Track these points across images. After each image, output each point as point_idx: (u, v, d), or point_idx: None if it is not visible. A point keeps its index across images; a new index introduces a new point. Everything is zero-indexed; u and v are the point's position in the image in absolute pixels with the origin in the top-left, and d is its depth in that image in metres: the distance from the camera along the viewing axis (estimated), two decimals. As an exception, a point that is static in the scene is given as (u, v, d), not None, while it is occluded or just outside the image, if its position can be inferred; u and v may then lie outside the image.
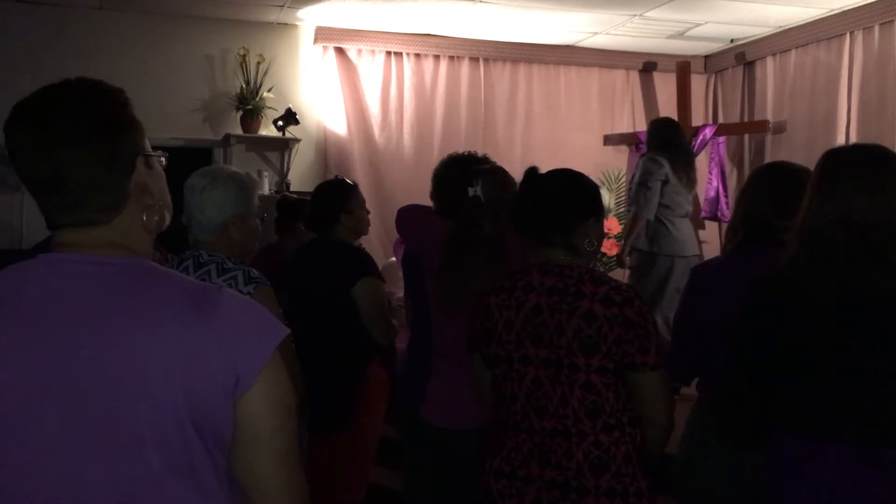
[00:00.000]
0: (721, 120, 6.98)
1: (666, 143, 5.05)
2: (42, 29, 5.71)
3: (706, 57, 7.14)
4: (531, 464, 1.96)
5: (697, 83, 7.02)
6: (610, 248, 5.92)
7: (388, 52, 6.49)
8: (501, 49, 6.69)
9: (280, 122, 6.08)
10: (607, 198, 6.33)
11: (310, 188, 4.91)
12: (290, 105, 6.13)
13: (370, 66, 6.46)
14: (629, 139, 6.92)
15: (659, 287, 4.91)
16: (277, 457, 1.19)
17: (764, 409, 1.86)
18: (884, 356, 1.72)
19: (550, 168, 2.18)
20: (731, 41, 6.66)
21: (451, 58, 6.64)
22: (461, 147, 5.53)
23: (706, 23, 6.06)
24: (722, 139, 6.58)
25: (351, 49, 6.40)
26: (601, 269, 5.56)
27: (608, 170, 6.58)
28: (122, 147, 1.18)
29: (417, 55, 6.56)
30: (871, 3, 5.52)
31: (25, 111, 1.17)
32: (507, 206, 2.56)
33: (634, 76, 7.13)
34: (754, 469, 2.03)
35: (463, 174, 2.59)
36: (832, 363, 1.75)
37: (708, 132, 6.51)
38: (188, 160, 3.51)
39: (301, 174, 6.24)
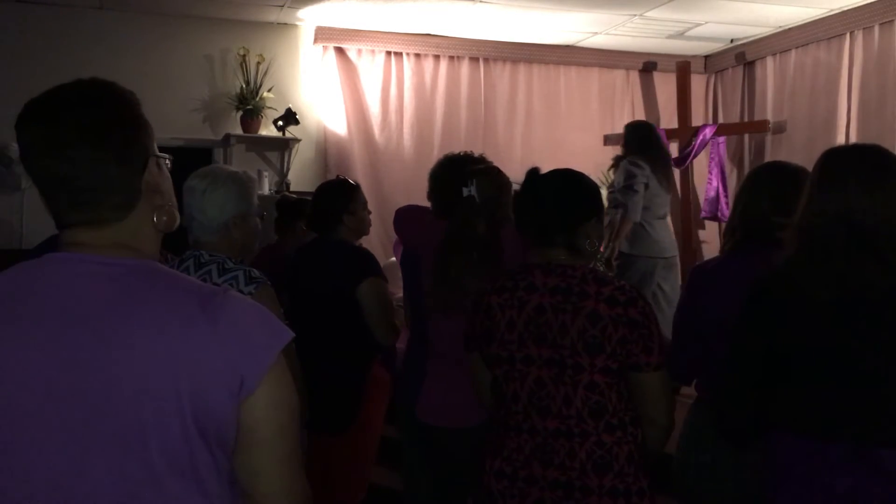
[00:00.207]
0: (721, 120, 6.99)
1: (645, 146, 5.08)
2: (42, 29, 5.71)
3: (706, 57, 7.14)
4: (533, 464, 1.96)
5: (697, 83, 7.02)
6: (610, 248, 5.92)
7: (388, 52, 6.49)
8: (501, 49, 6.70)
9: (280, 122, 6.08)
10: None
11: (310, 188, 4.92)
12: (290, 105, 6.13)
13: (370, 66, 6.47)
14: (629, 139, 6.91)
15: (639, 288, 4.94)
16: (280, 460, 1.19)
17: (763, 409, 1.86)
18: (882, 355, 1.72)
19: (550, 168, 2.18)
20: (731, 41, 6.66)
21: (451, 58, 6.64)
22: (461, 147, 5.53)
23: (706, 23, 6.06)
24: (722, 139, 6.58)
25: (351, 49, 6.40)
26: (601, 268, 5.56)
27: (608, 170, 6.58)
28: (135, 147, 1.20)
29: (417, 55, 6.56)
30: (871, 3, 5.52)
31: (39, 110, 1.17)
32: (502, 205, 2.57)
33: (634, 76, 7.13)
34: (753, 469, 2.03)
35: (459, 174, 2.59)
36: (831, 362, 1.75)
37: (708, 132, 6.51)
38: (188, 160, 3.49)
39: (301, 174, 6.25)
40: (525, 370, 1.98)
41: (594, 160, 6.21)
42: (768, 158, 6.32)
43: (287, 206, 4.46)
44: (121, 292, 1.13)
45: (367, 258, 3.22)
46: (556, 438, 1.95)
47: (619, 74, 7.07)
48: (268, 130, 6.15)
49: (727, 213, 6.26)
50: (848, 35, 5.76)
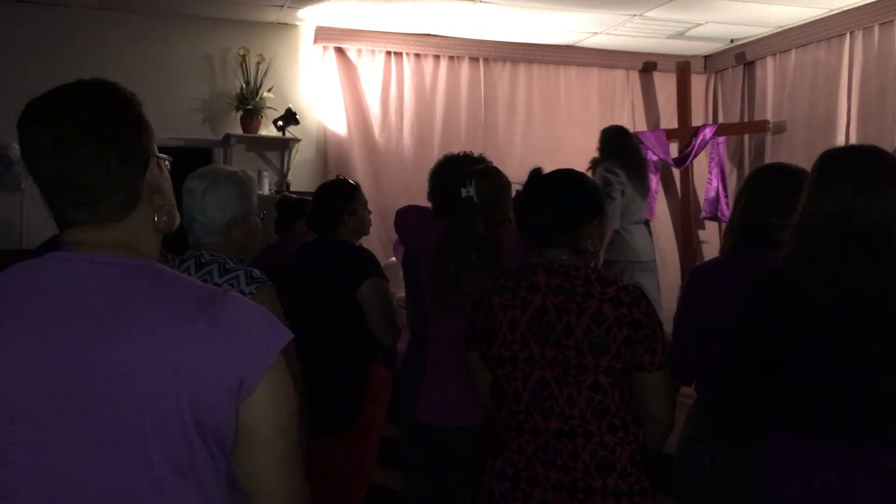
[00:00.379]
0: (721, 120, 6.98)
1: (619, 153, 5.10)
2: (42, 29, 5.71)
3: (706, 57, 7.14)
4: (536, 465, 1.96)
5: (697, 83, 7.02)
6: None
7: (388, 52, 6.49)
8: (501, 49, 6.69)
9: (280, 122, 6.08)
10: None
11: (310, 188, 4.93)
12: (290, 105, 6.13)
13: (370, 66, 6.46)
14: (629, 139, 6.91)
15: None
16: (279, 460, 1.19)
17: (761, 409, 1.86)
18: (880, 355, 1.73)
19: (550, 168, 2.18)
20: (731, 41, 6.66)
21: (451, 58, 6.64)
22: (461, 147, 5.53)
23: (706, 23, 6.06)
24: (722, 139, 6.58)
25: (351, 49, 6.40)
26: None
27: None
28: (137, 147, 1.21)
29: (417, 55, 6.56)
30: (871, 3, 5.52)
31: (42, 109, 1.18)
32: (501, 206, 2.57)
33: (634, 76, 7.13)
34: (751, 468, 2.04)
35: (458, 175, 2.59)
36: (829, 362, 1.76)
37: (708, 132, 6.51)
38: (188, 160, 3.49)
39: (301, 174, 6.24)
40: (527, 370, 1.98)
41: (594, 160, 6.20)
42: (768, 158, 6.32)
43: (287, 206, 4.46)
44: (121, 292, 1.14)
45: (368, 258, 3.22)
46: (558, 439, 1.95)
47: (619, 74, 7.07)
48: (268, 130, 6.15)
49: (727, 213, 6.26)
50: (848, 35, 5.76)
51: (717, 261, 2.44)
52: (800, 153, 5.94)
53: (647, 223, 6.64)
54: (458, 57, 6.65)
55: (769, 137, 6.46)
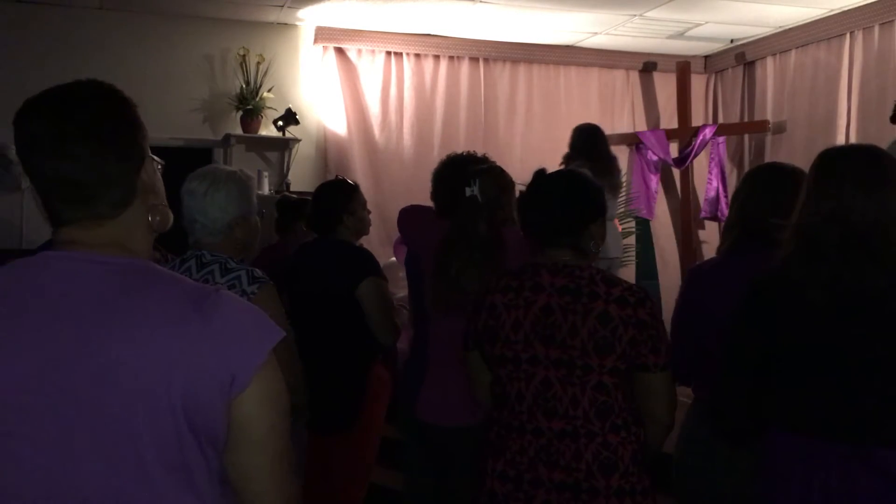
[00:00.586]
0: (721, 120, 6.98)
1: (588, 152, 5.08)
2: (42, 29, 5.71)
3: (706, 57, 7.14)
4: (538, 466, 1.96)
5: (697, 83, 7.02)
6: (610, 248, 5.92)
7: (388, 52, 6.49)
8: (501, 49, 6.69)
9: (280, 122, 6.07)
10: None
11: (310, 188, 4.92)
12: (290, 105, 6.13)
13: (370, 66, 6.46)
14: (629, 139, 6.92)
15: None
16: (271, 458, 1.20)
17: (760, 409, 1.87)
18: (878, 355, 1.72)
19: (551, 168, 2.18)
20: (731, 41, 6.66)
21: (451, 58, 6.64)
22: (461, 147, 5.52)
23: (706, 23, 6.06)
24: (722, 139, 6.58)
25: (351, 49, 6.40)
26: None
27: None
28: (135, 147, 1.22)
29: (417, 55, 6.56)
30: (871, 3, 5.52)
31: (39, 106, 1.18)
32: (504, 205, 2.57)
33: (634, 76, 7.13)
34: (749, 468, 2.04)
35: (461, 174, 2.60)
36: (827, 362, 1.76)
37: (708, 132, 6.51)
38: (188, 160, 3.50)
39: (301, 174, 6.24)
40: (531, 370, 1.98)
41: (594, 160, 6.19)
42: (768, 158, 6.32)
43: (287, 206, 4.46)
44: (114, 290, 1.14)
45: (367, 258, 3.22)
46: (561, 439, 1.95)
47: (619, 74, 7.07)
48: (268, 130, 6.15)
49: (727, 213, 6.26)
50: (848, 35, 5.76)
51: (714, 261, 2.44)
52: (800, 153, 5.94)
53: (646, 223, 6.68)
54: (458, 57, 6.65)
55: (769, 137, 6.46)
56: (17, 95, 1.23)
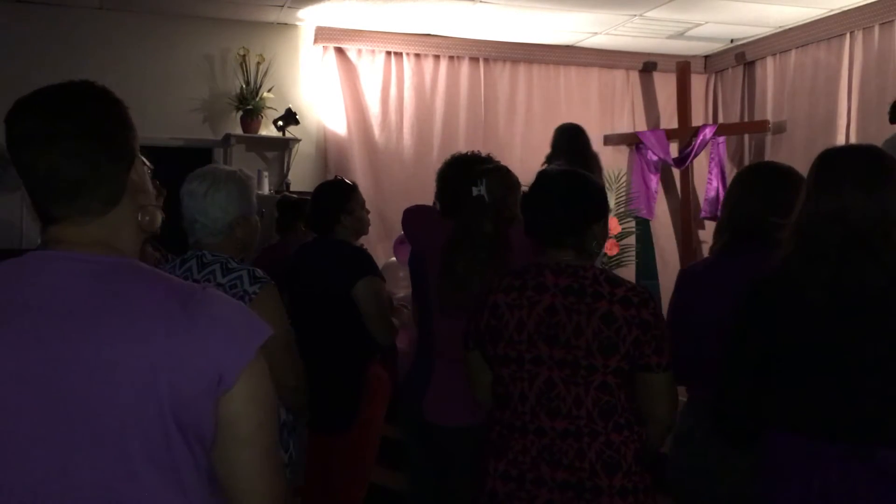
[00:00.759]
0: (721, 120, 6.98)
1: (568, 150, 5.08)
2: (42, 29, 5.71)
3: (706, 57, 7.14)
4: (541, 466, 1.96)
5: (697, 83, 7.02)
6: (610, 248, 5.92)
7: (388, 52, 6.49)
8: (501, 49, 6.69)
9: (280, 122, 6.08)
10: (608, 198, 6.33)
11: (310, 188, 4.92)
12: (290, 105, 6.13)
13: (370, 66, 6.46)
14: (629, 139, 6.92)
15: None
16: (259, 456, 1.20)
17: (760, 408, 1.87)
18: (877, 355, 1.72)
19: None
20: (731, 41, 6.66)
21: (451, 58, 6.64)
22: (461, 147, 5.52)
23: (706, 23, 6.06)
24: (722, 139, 6.58)
25: (351, 49, 6.40)
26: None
27: (608, 170, 6.57)
28: (124, 145, 1.23)
29: (417, 55, 6.56)
30: (871, 3, 5.52)
31: (33, 105, 1.19)
32: (510, 205, 2.57)
33: (634, 76, 7.13)
34: (742, 466, 2.05)
35: (466, 174, 2.60)
36: (828, 362, 1.76)
37: (708, 132, 6.51)
38: (188, 160, 3.50)
39: (301, 174, 6.24)
40: (534, 370, 1.98)
41: (594, 160, 6.20)
42: (768, 158, 6.32)
43: (288, 206, 4.46)
44: (101, 289, 1.15)
45: (363, 257, 3.23)
46: (564, 439, 1.95)
47: (619, 74, 7.07)
48: (268, 130, 6.15)
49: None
50: (848, 35, 5.76)
51: (706, 261, 2.45)
52: (800, 153, 5.93)
53: (646, 223, 6.67)
54: (458, 57, 6.65)
55: (769, 137, 6.46)
56: (16, 95, 1.23)
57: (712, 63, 7.14)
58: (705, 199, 6.61)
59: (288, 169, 6.22)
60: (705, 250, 6.71)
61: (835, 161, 1.86)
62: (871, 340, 1.73)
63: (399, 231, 5.23)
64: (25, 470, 1.11)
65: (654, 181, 6.88)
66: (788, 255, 1.84)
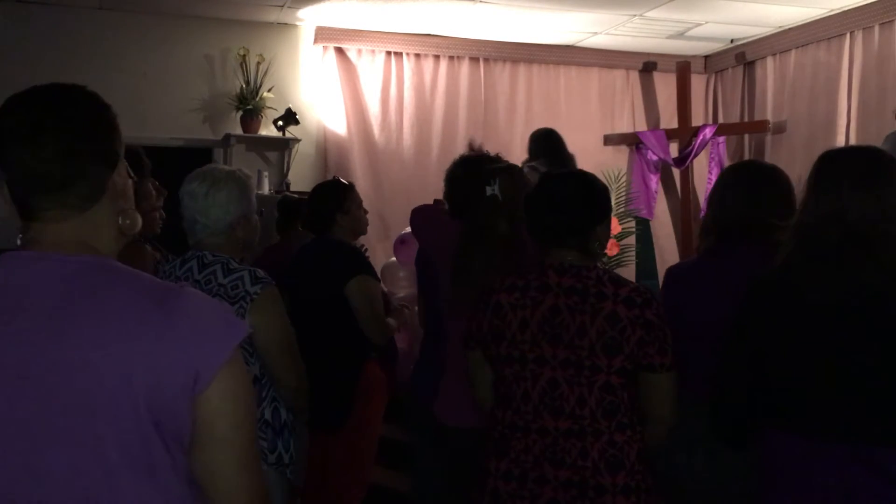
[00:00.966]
0: (721, 120, 6.99)
1: (543, 152, 5.10)
2: (42, 29, 5.70)
3: (706, 57, 7.14)
4: (544, 465, 1.96)
5: (697, 83, 7.02)
6: (610, 248, 5.92)
7: (388, 52, 6.49)
8: (501, 49, 6.69)
9: (280, 122, 6.08)
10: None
11: (310, 188, 4.91)
12: (290, 105, 6.13)
13: (370, 66, 6.46)
14: (629, 139, 6.92)
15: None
16: (237, 456, 1.20)
17: (757, 408, 1.87)
18: (876, 355, 1.72)
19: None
20: (731, 41, 6.66)
21: (451, 58, 6.64)
22: (461, 147, 5.49)
23: (706, 23, 6.06)
24: (722, 139, 6.58)
25: (351, 49, 6.40)
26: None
27: (608, 170, 6.57)
28: (108, 146, 1.24)
29: (417, 55, 6.56)
30: (871, 3, 5.52)
31: (22, 101, 1.21)
32: (519, 204, 2.56)
33: (634, 76, 7.13)
34: (734, 468, 2.06)
35: (476, 174, 2.59)
36: (826, 362, 1.76)
37: (708, 132, 6.51)
38: (188, 160, 3.50)
39: (301, 174, 6.24)
40: (537, 370, 1.99)
41: (594, 160, 6.21)
42: (768, 158, 6.31)
43: (289, 206, 4.46)
44: (76, 288, 1.15)
45: (355, 256, 3.23)
46: (567, 438, 1.95)
47: (619, 74, 7.07)
48: (268, 130, 6.15)
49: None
50: (848, 35, 5.76)
51: (691, 262, 2.45)
52: (800, 153, 5.94)
53: (646, 223, 6.67)
54: (458, 57, 6.65)
55: (769, 137, 6.46)
56: (15, 95, 1.25)
57: (712, 63, 7.14)
58: (705, 199, 6.61)
59: (288, 169, 6.22)
60: (705, 250, 6.71)
61: (835, 161, 1.87)
62: (870, 340, 1.73)
63: (399, 231, 5.24)
64: (0, 469, 1.11)
65: (654, 181, 6.88)
66: (787, 255, 1.84)
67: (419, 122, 6.52)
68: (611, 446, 1.94)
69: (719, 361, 1.94)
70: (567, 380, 1.96)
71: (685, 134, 6.62)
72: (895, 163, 1.85)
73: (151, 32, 5.96)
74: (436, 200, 3.67)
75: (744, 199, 2.25)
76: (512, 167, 2.66)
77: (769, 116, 6.46)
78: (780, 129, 6.36)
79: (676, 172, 6.85)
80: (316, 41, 6.31)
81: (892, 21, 5.44)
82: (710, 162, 6.58)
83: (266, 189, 5.89)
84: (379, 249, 5.92)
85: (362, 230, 3.44)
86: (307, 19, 6.16)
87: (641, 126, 7.09)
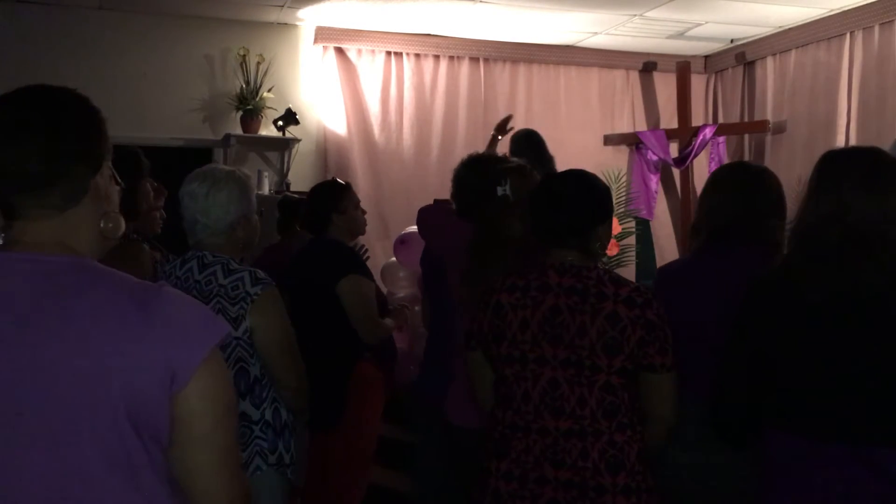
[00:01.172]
0: (721, 120, 6.98)
1: (523, 153, 5.07)
2: (42, 29, 5.70)
3: (706, 57, 7.14)
4: (544, 465, 1.96)
5: (697, 83, 7.02)
6: (610, 248, 5.92)
7: (388, 52, 6.49)
8: (501, 49, 6.69)
9: (280, 122, 6.07)
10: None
11: (310, 188, 4.93)
12: (290, 105, 6.13)
13: (370, 66, 6.46)
14: (629, 139, 6.92)
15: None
16: (215, 455, 1.20)
17: (757, 408, 1.87)
18: (876, 355, 1.72)
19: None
20: (731, 41, 6.66)
21: (451, 58, 6.63)
22: (461, 147, 5.52)
23: (706, 23, 6.06)
24: (722, 139, 6.58)
25: (351, 49, 6.40)
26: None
27: (608, 170, 6.57)
28: (93, 149, 1.24)
29: (417, 55, 6.56)
30: (871, 3, 5.52)
31: (11, 99, 1.21)
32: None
33: (634, 76, 7.13)
34: (729, 468, 2.07)
35: (484, 174, 2.59)
36: (825, 362, 1.76)
37: (708, 132, 6.51)
38: (188, 160, 3.50)
39: (301, 174, 6.24)
40: (538, 370, 1.99)
41: (594, 160, 6.22)
42: (768, 158, 6.33)
43: (289, 206, 4.46)
44: (54, 288, 1.15)
45: (348, 255, 3.23)
46: (567, 438, 1.95)
47: (619, 74, 7.07)
48: (268, 130, 6.15)
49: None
50: (848, 35, 5.76)
51: (683, 261, 2.45)
52: (800, 153, 5.94)
53: (646, 223, 6.67)
54: (458, 57, 6.65)
55: (769, 137, 6.46)
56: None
57: (712, 63, 7.14)
58: (704, 200, 6.60)
59: (288, 169, 6.22)
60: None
61: (836, 162, 1.87)
62: (870, 341, 1.73)
63: (399, 231, 5.23)
64: None
65: (654, 181, 6.88)
66: (788, 255, 1.84)
67: (419, 122, 6.52)
68: (611, 446, 1.94)
69: (719, 361, 1.94)
70: (567, 380, 1.96)
71: (685, 134, 6.62)
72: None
73: (151, 32, 5.96)
74: (436, 200, 3.67)
75: (734, 200, 2.25)
76: (522, 167, 2.65)
77: (769, 116, 6.46)
78: (780, 129, 6.35)
79: (676, 172, 6.85)
80: (316, 41, 6.31)
81: (892, 21, 5.44)
82: (711, 162, 6.57)
83: (266, 189, 5.89)
84: (379, 249, 5.91)
85: (360, 230, 3.44)
86: (307, 19, 6.16)
87: (641, 126, 7.09)
